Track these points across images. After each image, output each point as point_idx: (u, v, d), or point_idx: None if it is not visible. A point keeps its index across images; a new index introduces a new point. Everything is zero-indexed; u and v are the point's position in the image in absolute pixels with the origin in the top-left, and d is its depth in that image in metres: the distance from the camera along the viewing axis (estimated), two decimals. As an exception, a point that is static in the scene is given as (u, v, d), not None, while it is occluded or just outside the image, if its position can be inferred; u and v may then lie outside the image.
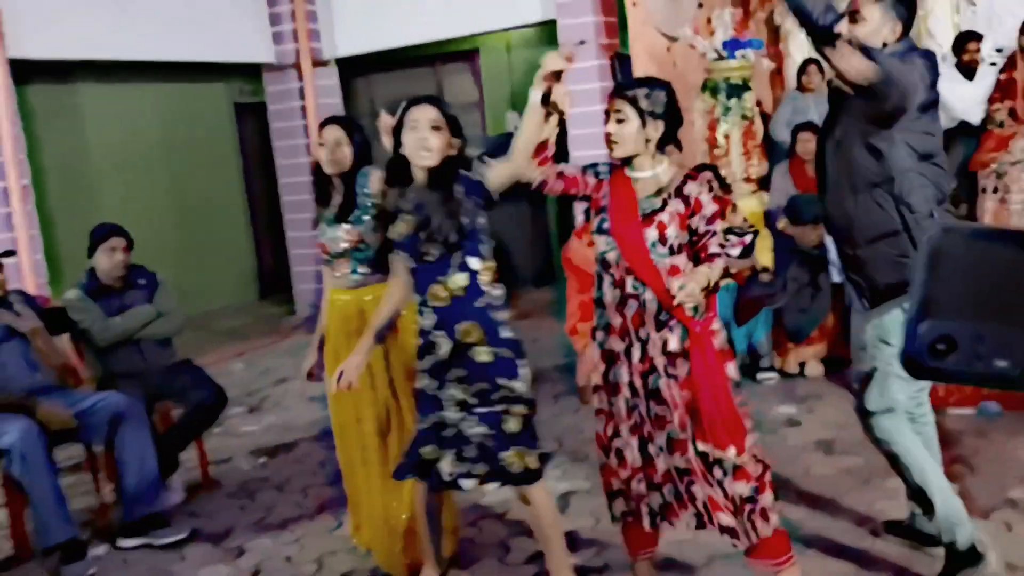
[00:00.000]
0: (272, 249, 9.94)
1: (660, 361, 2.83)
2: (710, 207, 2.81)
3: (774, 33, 8.21)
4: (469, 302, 2.96)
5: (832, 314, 5.75)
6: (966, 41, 6.74)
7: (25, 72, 6.68)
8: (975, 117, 6.56)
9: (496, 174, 2.95)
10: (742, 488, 2.82)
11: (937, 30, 7.59)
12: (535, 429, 3.08)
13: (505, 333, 3.02)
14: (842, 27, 2.85)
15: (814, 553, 3.41)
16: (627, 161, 2.91)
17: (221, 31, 7.53)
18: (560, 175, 2.96)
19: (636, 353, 2.86)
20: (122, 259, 4.56)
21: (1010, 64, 6.37)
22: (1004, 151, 6.07)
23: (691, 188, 2.82)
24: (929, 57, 3.09)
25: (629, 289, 2.85)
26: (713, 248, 2.78)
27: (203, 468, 4.82)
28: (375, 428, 3.51)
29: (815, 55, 7.78)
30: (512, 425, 3.01)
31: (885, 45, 3.03)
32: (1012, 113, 6.18)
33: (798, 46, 8.17)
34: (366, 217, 3.42)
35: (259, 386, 6.75)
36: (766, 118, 7.28)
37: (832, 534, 3.58)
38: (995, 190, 6.11)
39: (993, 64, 6.74)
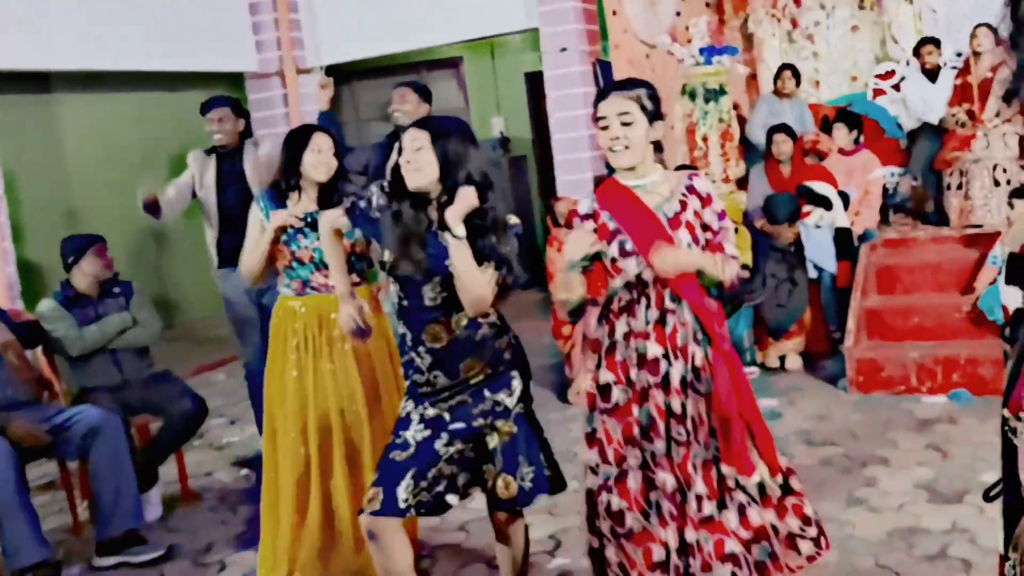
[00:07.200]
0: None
1: (690, 377, 2.61)
2: (719, 203, 2.64)
3: (748, 40, 8.35)
4: (470, 338, 2.64)
5: (809, 308, 5.83)
6: (921, 45, 7.03)
7: (0, 83, 6.66)
8: (934, 118, 6.74)
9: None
10: (770, 517, 2.66)
11: (901, 36, 7.81)
12: (529, 451, 2.71)
13: (506, 355, 2.73)
14: None
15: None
16: (613, 171, 2.69)
17: (202, 40, 7.47)
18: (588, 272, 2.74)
19: (678, 374, 2.61)
20: (103, 263, 4.47)
21: (965, 68, 6.53)
22: (966, 150, 6.28)
23: (700, 184, 2.64)
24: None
25: (668, 304, 2.63)
26: (729, 248, 2.62)
27: (183, 482, 4.66)
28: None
29: (790, 61, 7.96)
30: (495, 441, 2.67)
31: None
32: (971, 114, 6.35)
33: (771, 52, 8.30)
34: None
35: (241, 396, 6.69)
36: (742, 121, 7.36)
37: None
38: (959, 187, 6.28)
39: (954, 68, 6.91)
